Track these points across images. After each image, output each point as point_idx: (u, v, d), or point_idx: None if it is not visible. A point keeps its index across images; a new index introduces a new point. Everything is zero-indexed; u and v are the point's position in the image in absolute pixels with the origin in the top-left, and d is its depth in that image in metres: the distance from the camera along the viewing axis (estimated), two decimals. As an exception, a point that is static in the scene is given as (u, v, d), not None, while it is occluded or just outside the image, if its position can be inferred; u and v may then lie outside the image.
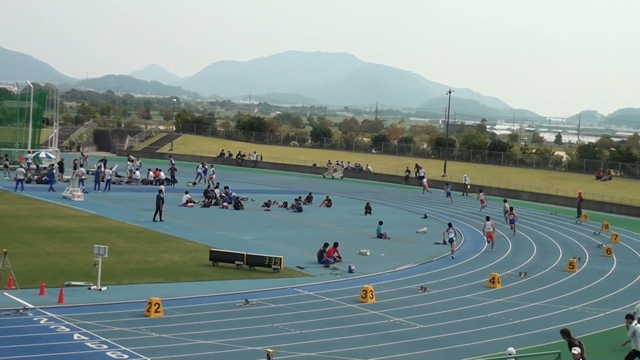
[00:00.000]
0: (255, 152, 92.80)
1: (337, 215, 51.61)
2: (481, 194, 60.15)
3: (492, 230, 41.14)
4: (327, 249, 34.07)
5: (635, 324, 20.25)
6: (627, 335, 20.70)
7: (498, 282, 31.12)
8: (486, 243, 41.38)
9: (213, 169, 65.81)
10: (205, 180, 63.82)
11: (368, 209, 53.08)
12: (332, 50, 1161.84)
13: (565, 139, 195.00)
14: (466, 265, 35.67)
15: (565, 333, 18.93)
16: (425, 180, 72.53)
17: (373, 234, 42.95)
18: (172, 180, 62.87)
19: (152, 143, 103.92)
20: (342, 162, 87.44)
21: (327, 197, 57.59)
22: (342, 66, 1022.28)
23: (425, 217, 53.14)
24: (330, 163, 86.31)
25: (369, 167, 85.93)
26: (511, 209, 48.72)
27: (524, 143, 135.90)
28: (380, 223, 43.45)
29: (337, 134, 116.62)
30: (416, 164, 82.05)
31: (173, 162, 68.37)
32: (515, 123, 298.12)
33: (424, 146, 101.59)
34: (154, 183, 62.04)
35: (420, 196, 68.33)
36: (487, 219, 42.11)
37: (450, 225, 39.25)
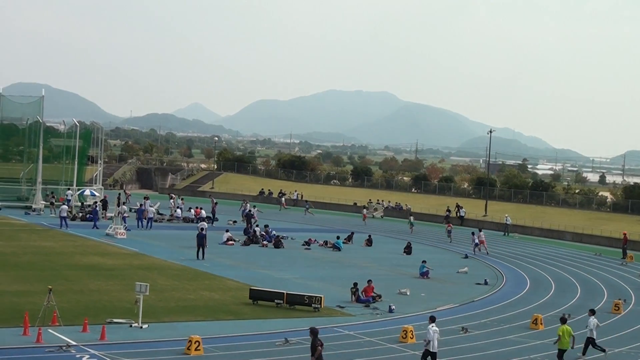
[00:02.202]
0: (296, 191, 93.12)
1: (378, 254, 51.45)
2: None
3: (484, 239, 53.55)
4: (359, 288, 33.99)
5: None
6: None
7: (541, 324, 30.69)
8: (484, 251, 53.56)
9: (257, 208, 66.08)
10: (242, 218, 64.04)
11: (408, 249, 52.84)
12: (372, 90, 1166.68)
13: (609, 179, 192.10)
14: (508, 306, 35.25)
15: None
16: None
17: (414, 274, 42.71)
18: (212, 218, 63.26)
19: (193, 181, 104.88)
20: (382, 201, 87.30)
21: (368, 236, 57.48)
22: (382, 105, 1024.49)
23: (466, 257, 52.70)
24: (371, 202, 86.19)
25: (409, 206, 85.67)
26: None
27: (566, 183, 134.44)
28: (424, 262, 43.20)
29: (378, 173, 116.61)
30: (457, 204, 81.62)
31: (214, 200, 68.92)
32: (557, 163, 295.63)
33: (465, 186, 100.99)
34: (195, 221, 62.49)
35: (460, 236, 67.80)
36: (480, 230, 53.80)
37: (473, 233, 50.96)
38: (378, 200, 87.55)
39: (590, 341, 26.33)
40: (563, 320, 25.72)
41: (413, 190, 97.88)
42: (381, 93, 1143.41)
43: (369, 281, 34.55)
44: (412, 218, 69.14)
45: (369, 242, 56.02)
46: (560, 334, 25.04)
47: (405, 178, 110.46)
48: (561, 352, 24.90)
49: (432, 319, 23.63)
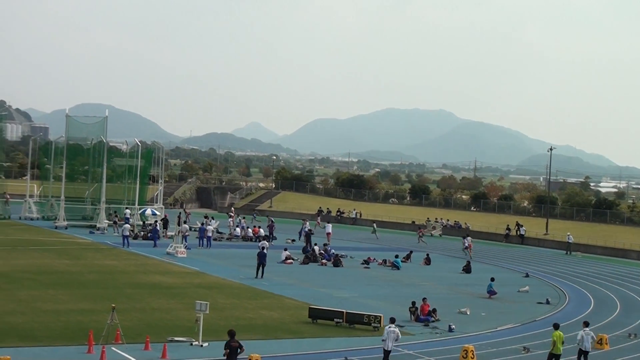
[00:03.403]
0: (354, 209, 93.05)
1: (437, 273, 51.03)
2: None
3: (471, 244, 61.47)
4: (417, 307, 33.75)
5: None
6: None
7: (606, 344, 30.03)
8: (469, 255, 59.21)
9: (309, 227, 66.18)
10: (300, 236, 64.16)
11: (467, 267, 52.28)
12: (430, 108, 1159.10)
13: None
14: (571, 326, 34.52)
15: None
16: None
17: (473, 293, 42.22)
18: (270, 237, 63.55)
19: (252, 200, 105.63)
20: (440, 219, 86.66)
21: (427, 254, 57.09)
22: (440, 123, 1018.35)
23: (527, 276, 51.92)
24: (429, 220, 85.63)
25: (467, 225, 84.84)
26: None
27: (631, 201, 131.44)
28: (492, 280, 42.62)
29: (436, 192, 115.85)
30: (517, 222, 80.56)
31: (272, 219, 69.29)
32: (621, 180, 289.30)
33: (525, 204, 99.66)
34: (253, 240, 62.91)
35: (521, 254, 66.86)
36: (467, 235, 63.09)
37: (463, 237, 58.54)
38: (436, 218, 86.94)
39: (582, 353, 26.40)
40: (556, 326, 26.18)
41: (472, 208, 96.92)
42: (438, 111, 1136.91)
43: (424, 299, 34.30)
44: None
45: (428, 260, 55.62)
46: (555, 339, 25.47)
47: (463, 196, 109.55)
48: (555, 357, 25.49)
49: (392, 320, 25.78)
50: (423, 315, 33.46)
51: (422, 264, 54.85)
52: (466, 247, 61.58)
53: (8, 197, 77.02)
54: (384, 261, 53.46)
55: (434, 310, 33.90)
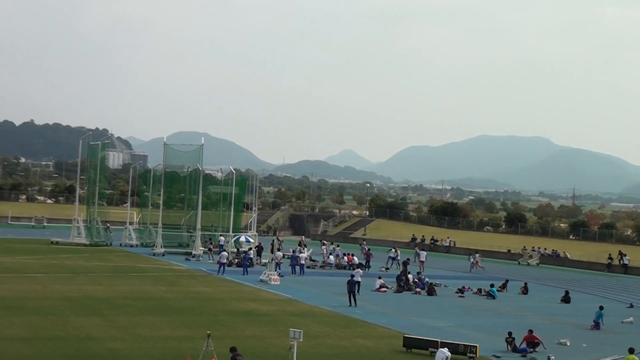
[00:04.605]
0: (448, 238, 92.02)
1: (534, 302, 49.84)
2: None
3: (478, 260, 67.12)
4: (514, 337, 32.93)
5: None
6: None
7: None
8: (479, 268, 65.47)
9: (399, 255, 65.77)
10: (398, 265, 63.83)
11: (566, 297, 50.86)
12: (525, 134, 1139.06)
13: None
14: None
15: None
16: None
17: (573, 323, 41.01)
18: (365, 265, 63.35)
19: (345, 227, 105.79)
20: (538, 248, 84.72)
21: (524, 284, 55.85)
22: (536, 150, 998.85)
23: (631, 306, 50.14)
24: (526, 249, 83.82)
25: (566, 254, 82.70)
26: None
27: None
28: (601, 308, 41.24)
29: (532, 220, 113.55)
30: (620, 251, 78.03)
31: (366, 247, 69.19)
32: None
33: (628, 232, 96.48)
34: (347, 267, 62.84)
35: (624, 284, 64.65)
36: (477, 252, 70.21)
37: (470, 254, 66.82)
38: (533, 247, 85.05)
39: None
40: (631, 351, 26.95)
41: (570, 237, 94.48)
42: (534, 138, 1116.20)
43: (530, 331, 33.44)
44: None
45: (525, 290, 54.40)
46: None
47: (562, 224, 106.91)
48: None
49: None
50: (528, 344, 32.62)
51: (519, 293, 53.72)
52: (472, 264, 67.46)
53: (108, 225, 79.55)
54: (479, 290, 52.58)
55: (536, 344, 32.85)
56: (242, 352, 28.85)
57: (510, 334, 33.22)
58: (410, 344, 31.51)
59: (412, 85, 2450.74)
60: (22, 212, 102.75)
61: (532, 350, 32.62)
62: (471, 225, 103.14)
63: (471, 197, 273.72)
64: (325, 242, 75.86)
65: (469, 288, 53.32)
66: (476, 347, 30.53)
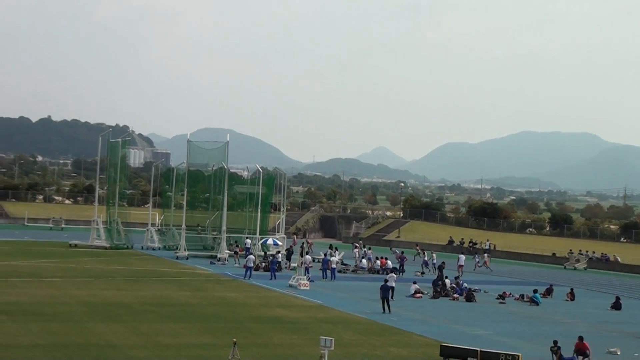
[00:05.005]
0: (488, 240, 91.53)
1: (581, 309, 49.44)
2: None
3: (487, 260, 70.94)
4: (559, 346, 32.63)
5: None
6: None
7: None
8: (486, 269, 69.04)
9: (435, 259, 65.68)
10: (434, 269, 63.65)
11: (617, 304, 50.37)
12: (571, 130, 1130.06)
13: None
14: None
15: None
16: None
17: (624, 331, 40.61)
18: (400, 269, 63.24)
19: (378, 229, 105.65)
20: (585, 251, 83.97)
21: (571, 289, 55.41)
22: (583, 147, 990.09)
23: (686, 315, 49.52)
24: (572, 252, 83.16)
25: (617, 257, 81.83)
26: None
27: None
28: None
29: (579, 221, 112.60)
30: (674, 255, 77.15)
31: (398, 251, 69.12)
32: None
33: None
34: (380, 272, 62.75)
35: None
36: (485, 251, 75.31)
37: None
38: (580, 250, 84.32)
39: None
40: None
41: (621, 239, 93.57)
42: (582, 134, 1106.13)
43: (580, 337, 33.13)
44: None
45: (572, 296, 53.98)
46: None
47: (612, 226, 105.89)
48: None
49: None
50: (580, 353, 32.31)
51: (566, 300, 53.33)
52: (478, 263, 70.99)
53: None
54: (522, 296, 52.24)
55: (586, 354, 32.51)
56: (270, 361, 28.99)
57: (555, 342, 32.93)
58: (448, 353, 31.36)
59: (450, 79, 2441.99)
60: (39, 213, 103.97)
61: (582, 357, 32.32)
62: (512, 227, 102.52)
63: (512, 197, 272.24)
64: (357, 244, 75.81)
65: (510, 294, 53.02)
66: (518, 356, 30.30)
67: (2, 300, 39.31)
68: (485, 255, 73.84)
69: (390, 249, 76.95)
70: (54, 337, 31.16)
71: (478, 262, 71.73)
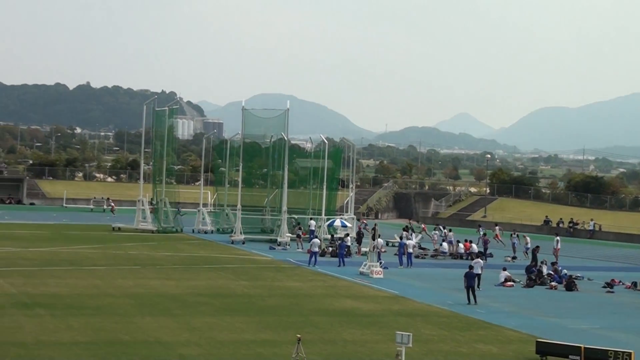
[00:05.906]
0: (592, 220, 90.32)
1: None
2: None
3: (498, 233, 72.37)
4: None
5: None
6: None
7: None
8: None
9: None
10: (526, 255, 63.06)
11: None
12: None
13: None
14: None
15: None
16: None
17: None
18: (484, 254, 62.73)
19: (461, 208, 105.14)
20: None
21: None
22: None
23: None
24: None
25: None
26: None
27: None
28: None
29: None
30: None
31: (483, 232, 68.59)
32: None
33: None
34: (464, 257, 62.44)
35: None
36: (496, 224, 76.56)
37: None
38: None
39: None
40: None
41: None
42: None
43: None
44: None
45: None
46: None
47: None
48: None
49: None
50: None
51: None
52: (495, 237, 72.25)
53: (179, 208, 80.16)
54: (634, 284, 51.45)
55: None
56: (339, 359, 29.07)
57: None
58: (545, 349, 31.06)
59: (541, 32, 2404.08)
60: (78, 193, 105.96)
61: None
62: (622, 204, 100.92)
63: (622, 170, 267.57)
64: (438, 225, 75.48)
65: (620, 282, 52.34)
66: (631, 353, 29.84)
67: (40, 292, 40.15)
68: (497, 227, 74.18)
69: (478, 228, 75.57)
70: (97, 333, 31.66)
71: (498, 234, 72.76)
